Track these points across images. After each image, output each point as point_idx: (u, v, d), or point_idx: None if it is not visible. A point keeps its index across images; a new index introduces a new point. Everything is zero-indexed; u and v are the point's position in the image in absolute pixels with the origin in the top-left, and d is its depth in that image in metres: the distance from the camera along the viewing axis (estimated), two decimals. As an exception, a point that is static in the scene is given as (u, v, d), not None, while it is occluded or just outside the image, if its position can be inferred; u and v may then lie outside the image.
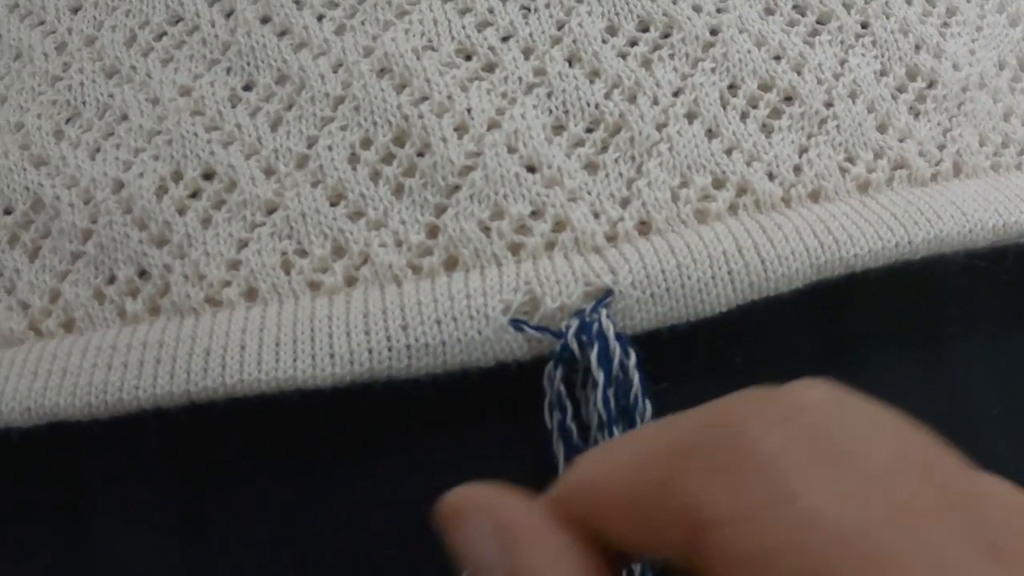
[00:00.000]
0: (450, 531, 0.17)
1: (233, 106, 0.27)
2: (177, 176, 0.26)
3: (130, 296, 0.25)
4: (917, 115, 0.28)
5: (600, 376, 0.22)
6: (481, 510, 0.17)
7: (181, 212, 0.25)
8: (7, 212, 0.27)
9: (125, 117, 0.27)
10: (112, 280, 0.25)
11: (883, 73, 0.29)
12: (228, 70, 0.27)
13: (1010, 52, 0.31)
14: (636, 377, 0.22)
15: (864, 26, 0.29)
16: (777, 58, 0.28)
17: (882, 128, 0.28)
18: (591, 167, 0.25)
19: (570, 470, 0.18)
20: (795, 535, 0.14)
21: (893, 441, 0.16)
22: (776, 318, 0.25)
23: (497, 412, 0.25)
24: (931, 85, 0.29)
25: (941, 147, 0.28)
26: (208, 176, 0.26)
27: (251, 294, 0.25)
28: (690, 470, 0.15)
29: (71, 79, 0.28)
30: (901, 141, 0.28)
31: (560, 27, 0.27)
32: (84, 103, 0.28)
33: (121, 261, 0.25)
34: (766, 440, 0.15)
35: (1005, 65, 0.31)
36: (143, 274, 0.25)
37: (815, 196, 0.26)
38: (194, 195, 0.26)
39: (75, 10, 0.29)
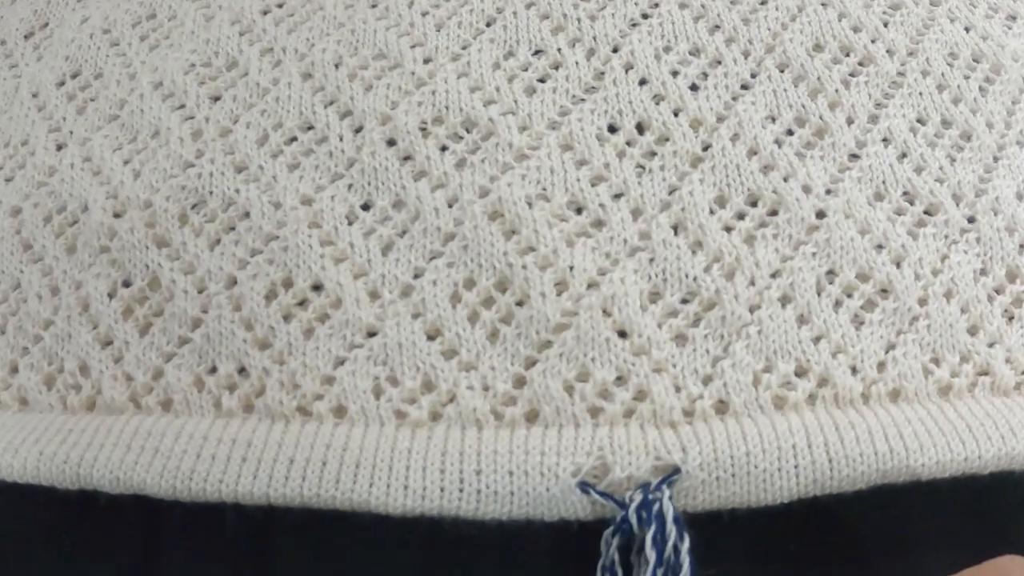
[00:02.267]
0: None
1: (350, 223, 0.28)
2: (287, 283, 0.28)
3: (227, 390, 0.27)
4: (1011, 319, 0.29)
5: (652, 556, 0.23)
6: None
7: (287, 319, 0.27)
8: (126, 285, 0.29)
9: (247, 215, 0.29)
10: (213, 371, 0.27)
11: (983, 272, 0.29)
12: (350, 187, 0.29)
13: None
14: (687, 563, 0.23)
15: (971, 221, 0.29)
16: (879, 247, 0.28)
17: (973, 331, 0.28)
18: (680, 339, 0.27)
19: None
20: None
21: None
22: (835, 512, 0.26)
23: (551, 562, 0.26)
24: None
25: None
26: (317, 288, 0.28)
27: (340, 411, 0.26)
28: None
29: (202, 168, 0.30)
30: (990, 346, 0.28)
31: (671, 192, 0.28)
32: (211, 193, 0.29)
33: (224, 355, 0.27)
34: None
35: None
36: (242, 371, 0.27)
37: (895, 396, 0.27)
38: (301, 304, 0.27)
39: (215, 99, 0.31)
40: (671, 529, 0.23)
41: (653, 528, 0.23)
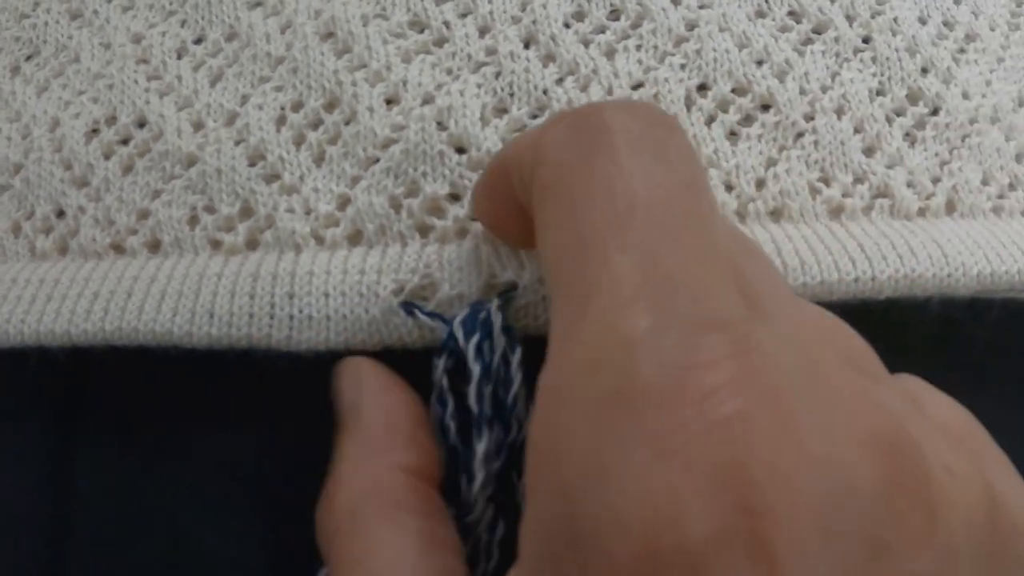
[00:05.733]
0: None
1: (179, 58, 0.24)
2: (111, 121, 0.24)
3: (43, 233, 0.23)
4: (913, 142, 0.24)
5: (476, 369, 0.19)
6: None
7: (107, 156, 0.23)
8: None
9: (77, 59, 0.25)
10: (31, 216, 0.23)
11: (880, 93, 0.24)
12: (183, 23, 0.25)
13: None
14: (519, 377, 0.19)
15: (866, 41, 0.25)
16: (759, 62, 0.24)
17: (869, 151, 0.24)
18: (526, 155, 0.22)
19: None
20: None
21: None
22: None
23: None
24: (935, 112, 0.25)
25: (935, 180, 0.24)
26: (141, 124, 0.24)
27: (155, 245, 0.22)
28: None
29: (37, 18, 0.26)
30: (889, 168, 0.24)
31: (523, 8, 0.24)
32: (45, 42, 0.26)
33: (42, 198, 0.23)
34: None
35: None
36: (60, 214, 0.23)
37: (776, 215, 0.22)
38: (124, 142, 0.24)
39: None
40: (499, 338, 0.19)
41: (477, 337, 0.19)
